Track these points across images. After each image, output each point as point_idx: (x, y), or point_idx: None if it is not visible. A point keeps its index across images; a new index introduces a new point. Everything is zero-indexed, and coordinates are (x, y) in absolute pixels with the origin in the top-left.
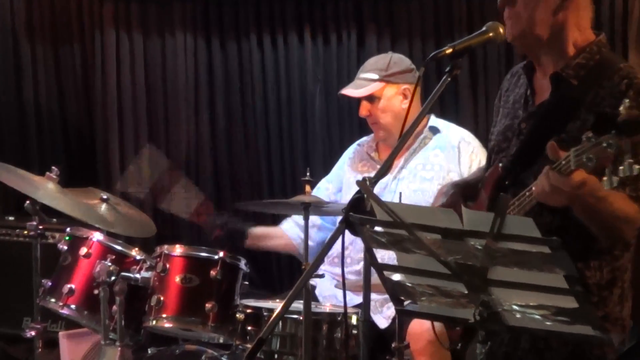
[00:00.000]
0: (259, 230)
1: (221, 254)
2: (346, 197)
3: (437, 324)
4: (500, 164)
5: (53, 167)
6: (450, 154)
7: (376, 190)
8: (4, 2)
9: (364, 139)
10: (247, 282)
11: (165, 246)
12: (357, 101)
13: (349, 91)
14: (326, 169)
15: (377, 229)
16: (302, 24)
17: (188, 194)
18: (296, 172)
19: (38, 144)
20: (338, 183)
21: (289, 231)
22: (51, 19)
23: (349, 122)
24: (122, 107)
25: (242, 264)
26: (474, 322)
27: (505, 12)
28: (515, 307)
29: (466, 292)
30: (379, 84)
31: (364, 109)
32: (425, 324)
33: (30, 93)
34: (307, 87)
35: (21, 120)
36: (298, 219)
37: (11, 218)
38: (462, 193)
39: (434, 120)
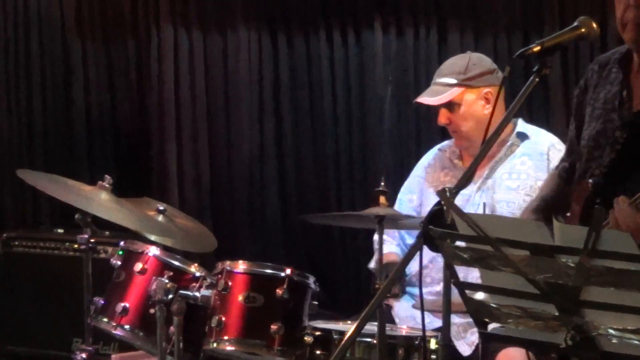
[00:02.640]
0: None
1: (288, 271)
2: (426, 209)
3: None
4: (591, 181)
5: (106, 176)
6: (539, 162)
7: (458, 202)
8: None
9: (446, 143)
10: (316, 302)
11: (227, 262)
12: (435, 109)
13: (426, 99)
14: (397, 179)
15: (459, 244)
16: (376, 17)
17: None
18: (367, 181)
19: (88, 150)
20: (420, 193)
21: (393, 247)
22: (102, 13)
23: (426, 127)
24: (180, 110)
25: (311, 282)
26: (566, 348)
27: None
28: (611, 331)
29: (557, 314)
30: (458, 89)
31: (442, 117)
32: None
33: (80, 95)
34: (381, 88)
35: (70, 125)
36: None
37: (60, 231)
38: (546, 216)
39: (522, 126)
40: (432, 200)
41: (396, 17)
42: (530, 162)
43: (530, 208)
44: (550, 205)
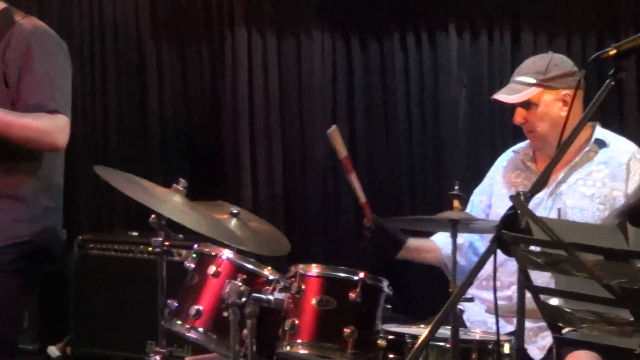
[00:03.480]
0: (415, 242)
1: (361, 274)
2: (496, 210)
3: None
4: None
5: (180, 179)
6: (617, 171)
7: (530, 205)
8: None
9: (520, 145)
10: (389, 306)
11: (300, 265)
12: (510, 107)
13: (502, 96)
14: (471, 183)
15: (533, 248)
16: (450, 21)
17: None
18: (441, 185)
19: (162, 153)
20: (489, 194)
21: (439, 241)
22: (177, 17)
23: (501, 131)
24: (254, 113)
25: (385, 285)
26: None
27: None
28: None
29: (632, 319)
30: (537, 88)
31: (518, 116)
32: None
33: (154, 99)
34: (455, 91)
35: (145, 128)
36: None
37: (135, 233)
38: (632, 220)
39: (600, 132)
40: (503, 202)
41: (470, 20)
42: (607, 170)
43: (617, 212)
44: (635, 210)
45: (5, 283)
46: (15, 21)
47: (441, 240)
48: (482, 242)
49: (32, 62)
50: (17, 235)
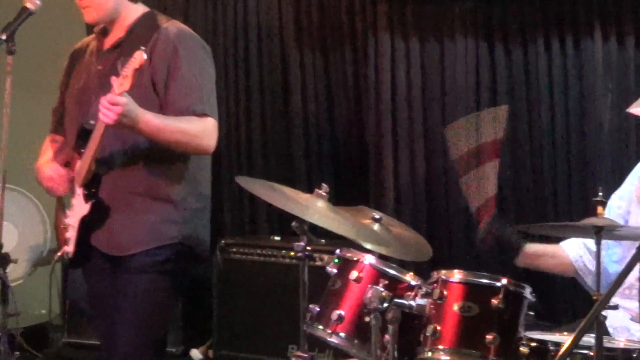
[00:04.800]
0: (534, 247)
1: (504, 280)
2: (636, 217)
3: None
4: None
5: (323, 184)
6: None
7: None
8: (271, 3)
9: None
10: (532, 313)
11: (443, 271)
12: None
13: (637, 110)
14: (616, 188)
15: None
16: (596, 25)
17: (485, 181)
18: (584, 191)
19: (306, 159)
20: (629, 200)
21: (571, 251)
22: (320, 23)
23: None
24: (397, 118)
25: (527, 292)
26: None
27: None
28: None
29: None
30: None
31: None
32: None
33: (298, 104)
34: (600, 97)
35: (288, 134)
36: (586, 240)
37: (277, 238)
38: None
39: None
40: None
41: (617, 25)
42: None
43: None
44: None
45: (157, 283)
46: (159, 25)
47: (574, 251)
48: (619, 247)
49: (180, 65)
50: (168, 237)
